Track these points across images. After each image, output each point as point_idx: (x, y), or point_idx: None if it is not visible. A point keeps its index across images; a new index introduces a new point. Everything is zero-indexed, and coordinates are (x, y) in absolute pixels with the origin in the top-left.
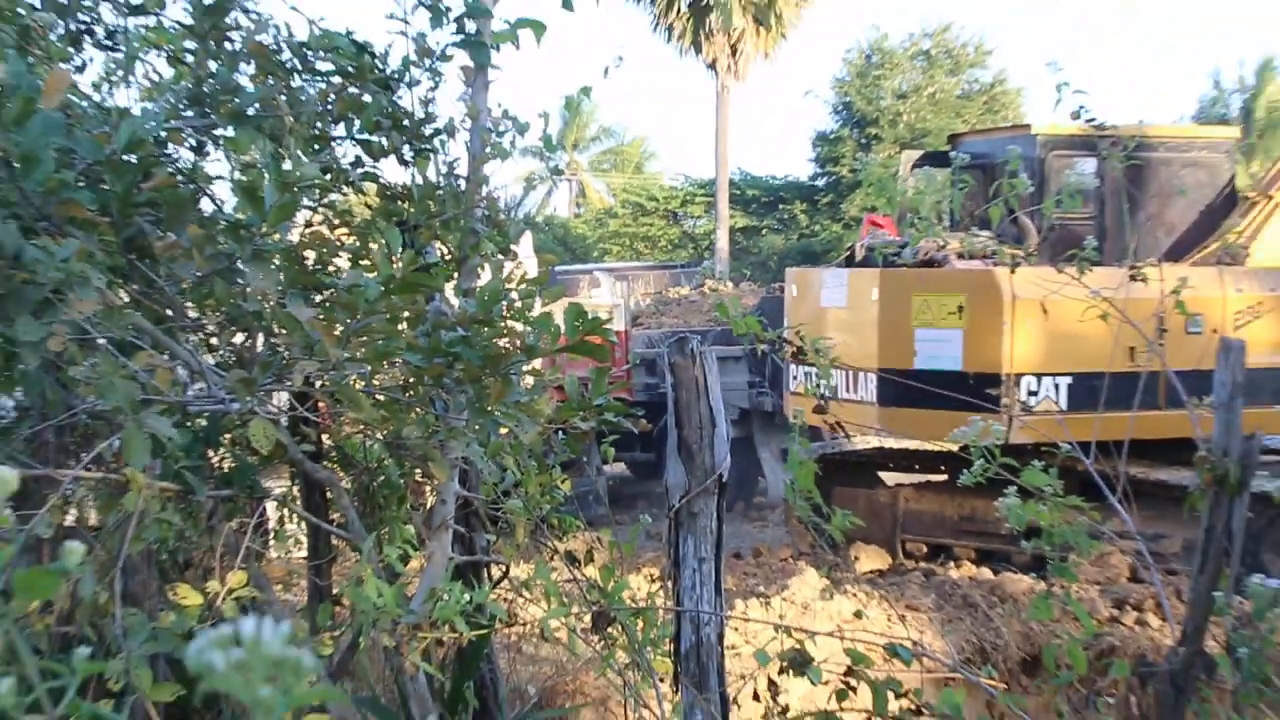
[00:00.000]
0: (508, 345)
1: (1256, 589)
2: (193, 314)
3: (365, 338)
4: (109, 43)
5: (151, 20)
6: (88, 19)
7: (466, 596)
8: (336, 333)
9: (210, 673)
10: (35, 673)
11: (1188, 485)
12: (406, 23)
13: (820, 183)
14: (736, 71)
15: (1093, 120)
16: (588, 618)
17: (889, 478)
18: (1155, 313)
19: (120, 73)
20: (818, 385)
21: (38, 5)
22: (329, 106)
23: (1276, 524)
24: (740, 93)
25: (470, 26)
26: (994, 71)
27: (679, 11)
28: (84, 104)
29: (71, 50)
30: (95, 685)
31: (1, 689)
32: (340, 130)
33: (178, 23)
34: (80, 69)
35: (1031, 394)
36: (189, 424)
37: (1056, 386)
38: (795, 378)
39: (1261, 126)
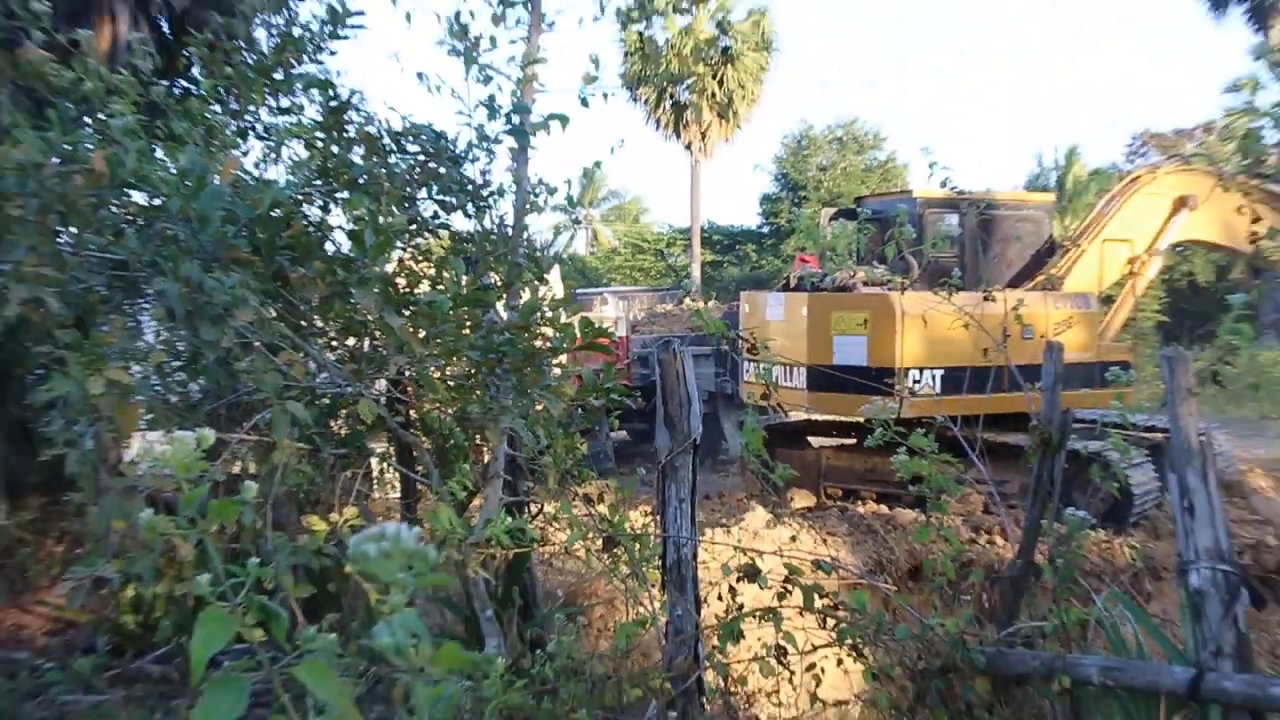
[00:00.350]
0: (541, 345)
1: (1070, 518)
2: (319, 324)
3: (439, 340)
4: (265, 135)
5: (294, 119)
6: (250, 119)
7: (511, 524)
8: (419, 336)
9: (364, 560)
10: (222, 573)
11: (1024, 445)
12: (470, 117)
13: (765, 230)
14: (706, 151)
15: (955, 187)
16: (600, 541)
17: (816, 442)
18: (1001, 324)
19: (272, 155)
20: (764, 376)
21: (218, 110)
22: (415, 176)
23: (1083, 472)
24: (708, 166)
25: (515, 119)
26: (887, 152)
27: (664, 109)
28: (247, 177)
29: (239, 140)
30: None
31: (202, 581)
32: (422, 193)
33: (312, 119)
34: (245, 154)
35: (916, 382)
36: (316, 402)
37: (933, 377)
38: (748, 370)
39: (1070, 194)
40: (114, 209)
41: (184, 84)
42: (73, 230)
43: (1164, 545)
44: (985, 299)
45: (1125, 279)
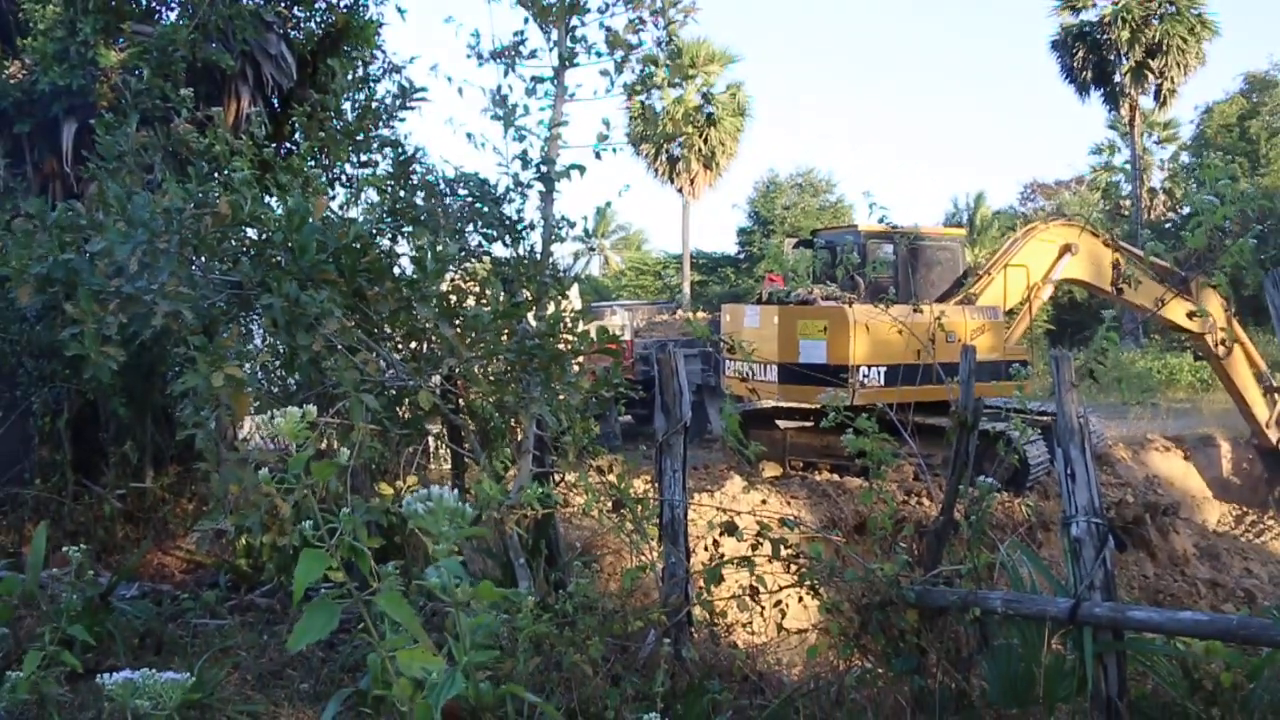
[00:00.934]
0: (563, 348)
1: (980, 483)
2: (388, 331)
3: (482, 344)
4: (348, 183)
5: (370, 171)
6: (338, 171)
7: (540, 491)
8: (466, 342)
9: (415, 515)
10: (320, 521)
11: (946, 426)
12: (508, 168)
13: (741, 256)
14: (694, 193)
15: (890, 223)
16: (610, 504)
17: (783, 424)
18: (928, 330)
19: (353, 199)
20: (742, 371)
21: (313, 165)
22: (464, 214)
23: (991, 448)
24: (696, 205)
25: (543, 169)
26: (837, 195)
27: (661, 161)
28: (334, 216)
29: (329, 188)
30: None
31: (305, 526)
32: (470, 228)
33: (385, 170)
34: (332, 198)
35: (864, 376)
36: (385, 393)
37: (878, 372)
38: (728, 367)
39: (978, 230)
40: (233, 242)
41: (289, 145)
42: (202, 259)
43: (1052, 504)
44: (915, 311)
45: (1025, 299)
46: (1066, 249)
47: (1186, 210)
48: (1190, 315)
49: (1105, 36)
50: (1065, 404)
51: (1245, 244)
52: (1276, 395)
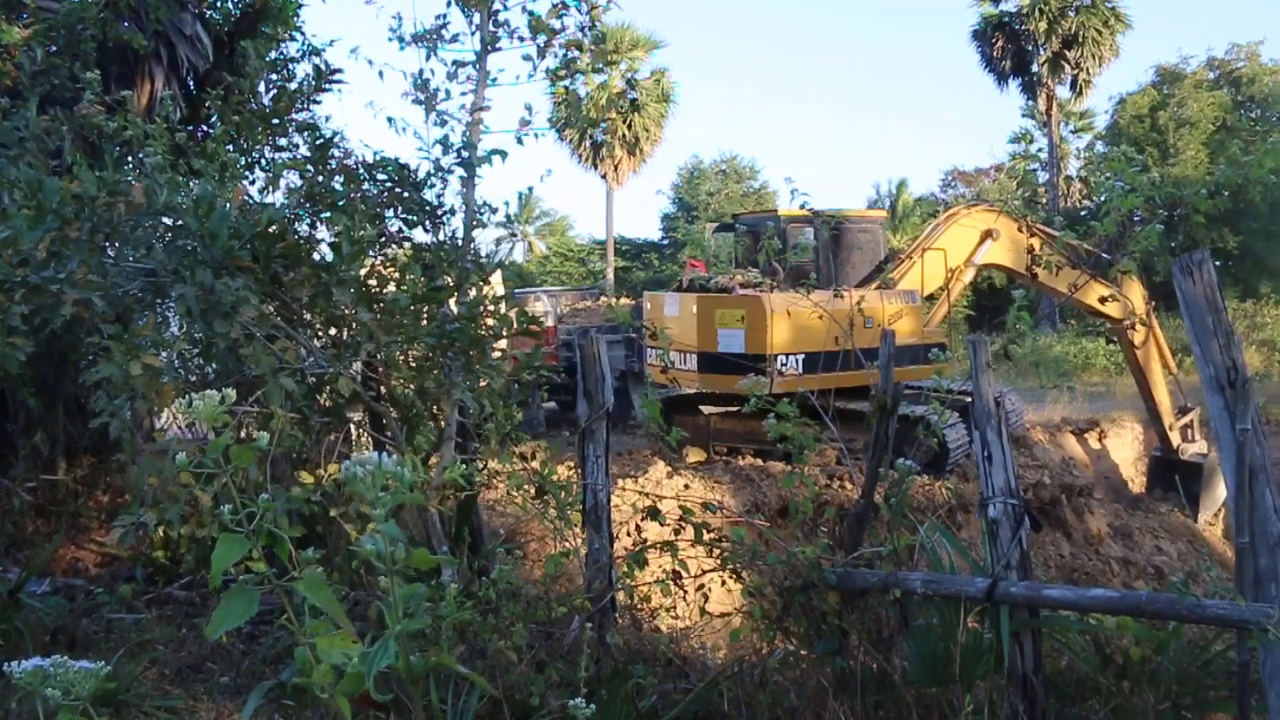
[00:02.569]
0: (485, 333)
1: (900, 466)
2: (306, 318)
3: (402, 329)
4: (266, 168)
5: (288, 155)
6: (255, 155)
7: (464, 470)
8: (386, 327)
9: (354, 480)
10: (240, 506)
11: (866, 410)
12: (429, 152)
13: (665, 242)
14: (618, 179)
15: (811, 208)
16: (533, 490)
17: (706, 409)
18: (848, 316)
19: (272, 183)
20: (663, 359)
21: (230, 149)
22: (383, 199)
23: (911, 431)
24: (620, 191)
25: (464, 154)
26: (761, 181)
27: (585, 147)
28: (251, 201)
29: (247, 172)
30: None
31: (224, 510)
32: (390, 213)
33: (303, 155)
34: (251, 182)
35: (783, 364)
36: (305, 380)
37: (797, 359)
38: (650, 354)
39: (900, 216)
40: (147, 229)
41: (205, 129)
42: (115, 246)
43: (971, 486)
44: (835, 296)
45: (945, 284)
46: (988, 234)
47: (1102, 198)
48: (1102, 300)
49: (1024, 27)
50: (982, 387)
51: (1153, 230)
52: (1189, 415)
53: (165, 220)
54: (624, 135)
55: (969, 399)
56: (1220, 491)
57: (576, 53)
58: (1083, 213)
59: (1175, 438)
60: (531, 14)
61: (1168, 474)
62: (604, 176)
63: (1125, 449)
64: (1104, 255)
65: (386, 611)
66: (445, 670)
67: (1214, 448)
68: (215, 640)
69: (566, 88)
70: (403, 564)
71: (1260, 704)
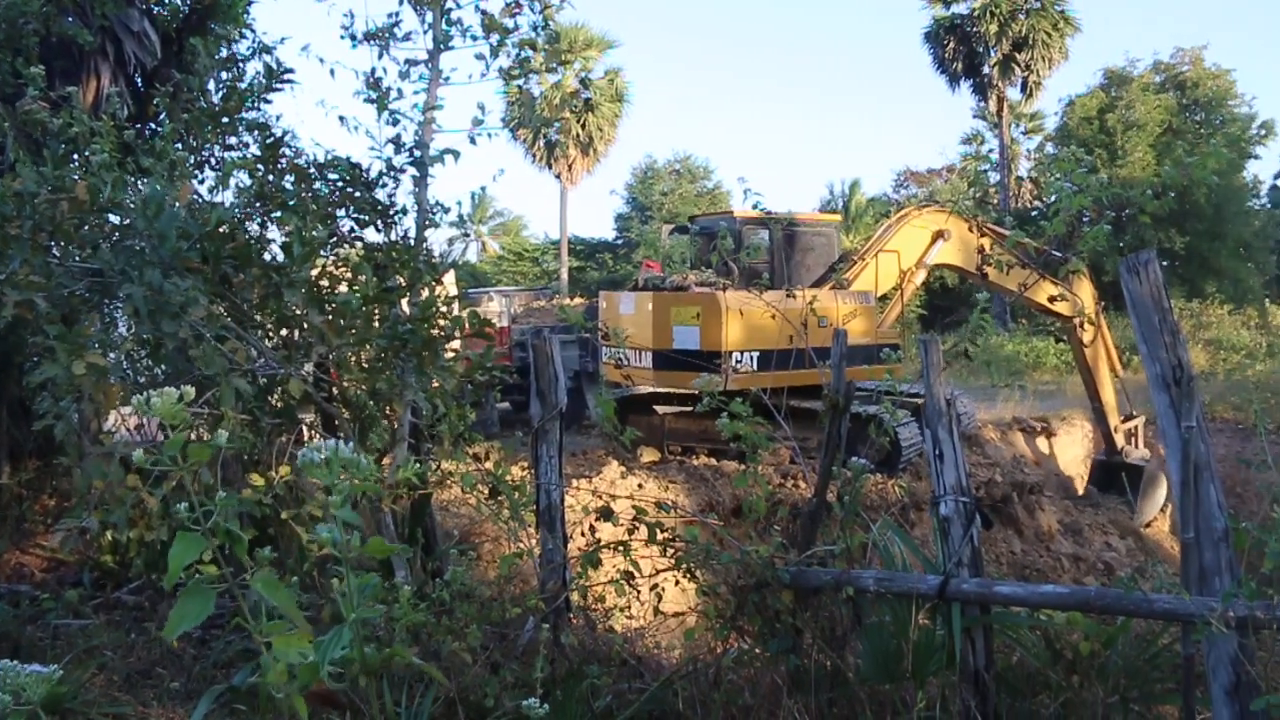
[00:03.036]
0: (438, 333)
1: (853, 465)
2: (257, 319)
3: (354, 330)
4: (216, 167)
5: (239, 154)
6: (205, 154)
7: (417, 468)
8: (337, 328)
9: (311, 467)
10: (196, 505)
11: (819, 409)
12: (381, 152)
13: (619, 241)
14: (572, 179)
15: (765, 209)
16: (487, 491)
17: (660, 409)
18: (801, 315)
19: (221, 183)
20: (617, 357)
21: (179, 147)
22: (335, 199)
23: (864, 430)
24: (574, 191)
25: (417, 154)
26: (715, 181)
27: (539, 147)
28: (200, 200)
29: (196, 171)
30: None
31: (181, 508)
32: (341, 212)
33: (253, 154)
34: (201, 182)
35: (738, 362)
36: (256, 381)
37: (751, 357)
38: (605, 353)
39: (853, 216)
40: (93, 229)
41: (152, 127)
42: (60, 245)
43: (924, 484)
44: (789, 296)
45: (898, 285)
46: (939, 235)
47: (1052, 198)
48: (1052, 299)
49: (975, 29)
50: (933, 387)
51: (1101, 230)
52: (1133, 421)
53: (112, 219)
54: (578, 135)
55: (920, 399)
56: (1160, 496)
57: (530, 52)
58: (1033, 213)
59: (1120, 439)
60: (484, 13)
61: (1108, 477)
62: (558, 176)
63: (1075, 447)
64: (1054, 254)
65: (341, 602)
66: (400, 671)
67: (1157, 452)
68: (165, 645)
69: (520, 87)
70: (358, 553)
71: (1204, 696)
